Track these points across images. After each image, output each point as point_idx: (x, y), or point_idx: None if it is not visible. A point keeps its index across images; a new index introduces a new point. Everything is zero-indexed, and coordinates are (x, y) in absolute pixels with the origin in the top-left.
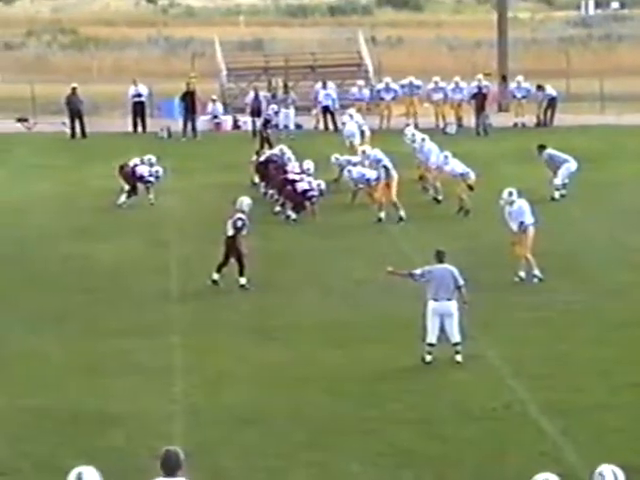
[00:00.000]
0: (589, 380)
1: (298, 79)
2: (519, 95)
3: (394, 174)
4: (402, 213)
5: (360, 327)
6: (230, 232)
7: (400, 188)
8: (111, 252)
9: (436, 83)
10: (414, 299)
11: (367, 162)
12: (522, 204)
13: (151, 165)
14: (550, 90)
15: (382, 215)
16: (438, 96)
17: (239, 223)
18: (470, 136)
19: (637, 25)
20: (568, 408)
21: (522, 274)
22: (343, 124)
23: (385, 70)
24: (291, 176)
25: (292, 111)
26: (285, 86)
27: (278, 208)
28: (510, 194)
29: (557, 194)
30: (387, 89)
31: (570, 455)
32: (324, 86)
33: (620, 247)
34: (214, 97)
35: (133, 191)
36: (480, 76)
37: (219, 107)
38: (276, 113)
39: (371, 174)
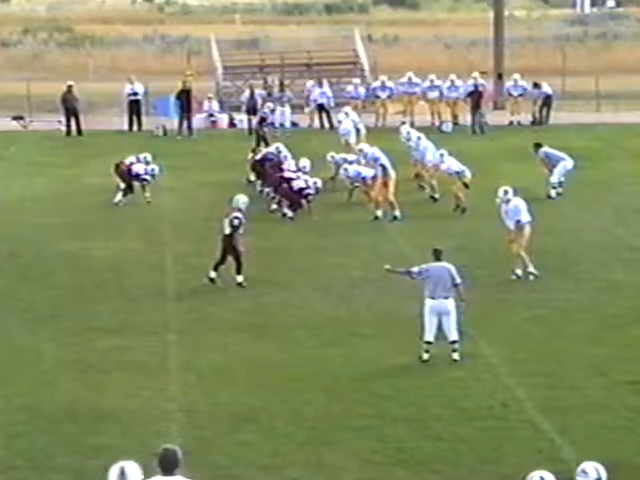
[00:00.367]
0: (585, 378)
1: (294, 77)
2: (515, 93)
3: (392, 173)
4: (397, 213)
5: (357, 325)
6: (227, 230)
7: (396, 186)
8: (107, 250)
9: (432, 81)
10: (411, 297)
11: (364, 160)
12: (518, 202)
13: (147, 163)
14: (546, 88)
15: (379, 213)
16: (434, 94)
17: (236, 221)
18: (466, 134)
19: (633, 23)
20: (564, 406)
21: (519, 272)
22: (339, 122)
23: (381, 68)
24: (287, 174)
25: (288, 109)
26: (281, 84)
27: (274, 206)
28: (506, 193)
29: (553, 192)
30: (383, 87)
31: (566, 453)
32: (320, 84)
33: (616, 245)
34: (210, 95)
35: (129, 189)
36: (476, 74)
37: (215, 105)
38: (272, 111)
39: (367, 172)
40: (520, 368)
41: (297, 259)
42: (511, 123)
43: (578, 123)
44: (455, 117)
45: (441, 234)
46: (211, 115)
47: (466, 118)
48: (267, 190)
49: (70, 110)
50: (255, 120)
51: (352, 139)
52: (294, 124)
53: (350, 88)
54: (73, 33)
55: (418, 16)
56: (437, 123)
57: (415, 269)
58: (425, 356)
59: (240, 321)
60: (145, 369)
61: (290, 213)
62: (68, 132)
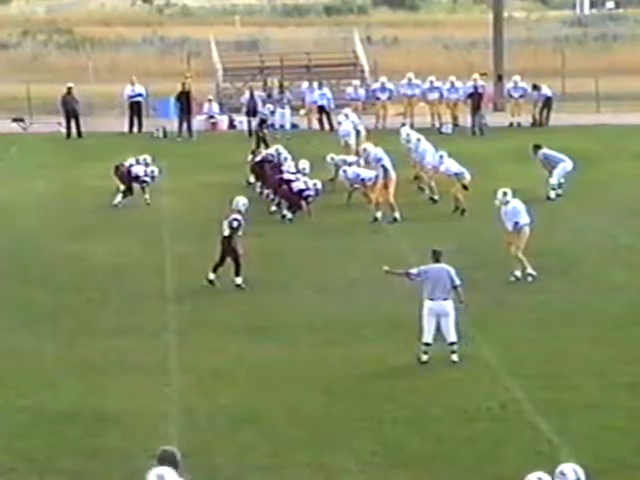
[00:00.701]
0: (584, 379)
1: (294, 79)
2: (516, 95)
3: (393, 175)
4: (397, 215)
5: (356, 326)
6: (226, 232)
7: (396, 188)
8: (107, 252)
9: (432, 83)
10: (410, 298)
11: (366, 160)
12: (516, 204)
13: (147, 165)
14: (546, 90)
15: (378, 214)
16: (434, 96)
17: (235, 223)
18: (466, 136)
19: (632, 25)
20: (563, 407)
21: (518, 273)
22: (339, 123)
23: (381, 70)
24: (287, 176)
25: (288, 111)
26: (281, 86)
27: (274, 208)
28: (505, 194)
29: (553, 194)
30: (383, 89)
31: (565, 454)
32: (319, 86)
33: (616, 246)
34: (210, 97)
35: (129, 191)
36: (476, 76)
37: (215, 107)
38: (272, 113)
39: (366, 174)
40: (519, 369)
41: (296, 260)
42: (511, 124)
43: (578, 124)
44: (455, 118)
45: (440, 235)
46: (211, 117)
47: (466, 119)
48: (267, 192)
49: (70, 112)
50: (255, 122)
51: (352, 140)
52: (294, 126)
53: (350, 90)
54: (73, 35)
55: (417, 17)
56: (437, 125)
57: (414, 270)
58: (424, 357)
59: (239, 322)
60: (145, 370)
61: (289, 214)
62: (68, 134)
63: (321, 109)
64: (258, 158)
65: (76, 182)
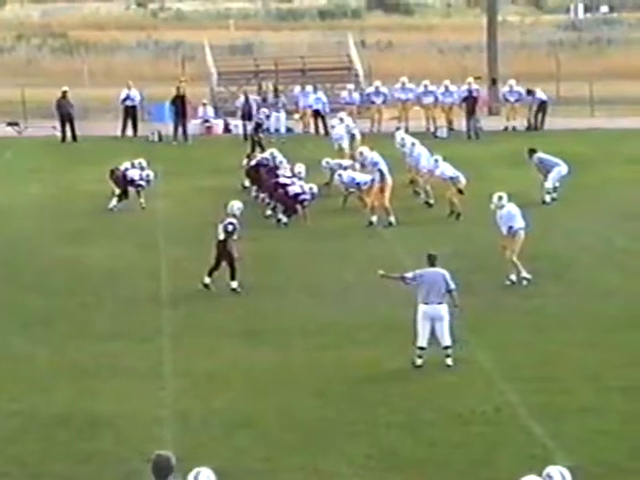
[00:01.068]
0: (578, 383)
1: (288, 83)
2: (512, 99)
3: (389, 179)
4: (392, 219)
5: (350, 330)
6: (221, 236)
7: (392, 192)
8: (101, 255)
9: (426, 87)
10: (404, 302)
11: (362, 164)
12: (511, 208)
13: (142, 169)
14: (540, 94)
15: (374, 219)
16: (428, 100)
17: (230, 227)
18: (461, 140)
19: (626, 29)
20: (558, 411)
21: (513, 277)
22: (332, 127)
23: (375, 74)
24: (282, 180)
25: (283, 115)
26: (275, 90)
27: (269, 212)
28: (500, 198)
29: (548, 198)
30: (377, 93)
31: (559, 458)
32: (314, 90)
33: (611, 250)
34: (205, 101)
35: (124, 195)
36: (470, 80)
37: (210, 111)
38: (267, 117)
39: (361, 178)
40: (513, 373)
41: (291, 264)
42: (506, 129)
43: (572, 128)
44: (450, 122)
45: (436, 239)
46: (206, 121)
47: (461, 123)
48: (262, 196)
49: (65, 116)
50: (250, 126)
51: (345, 144)
52: (289, 130)
53: (344, 94)
54: (67, 39)
55: (412, 22)
56: (432, 129)
57: (409, 275)
58: (418, 361)
59: (234, 326)
60: (139, 374)
61: (285, 219)
62: (63, 138)
63: (316, 113)
64: (253, 162)
65: (71, 186)
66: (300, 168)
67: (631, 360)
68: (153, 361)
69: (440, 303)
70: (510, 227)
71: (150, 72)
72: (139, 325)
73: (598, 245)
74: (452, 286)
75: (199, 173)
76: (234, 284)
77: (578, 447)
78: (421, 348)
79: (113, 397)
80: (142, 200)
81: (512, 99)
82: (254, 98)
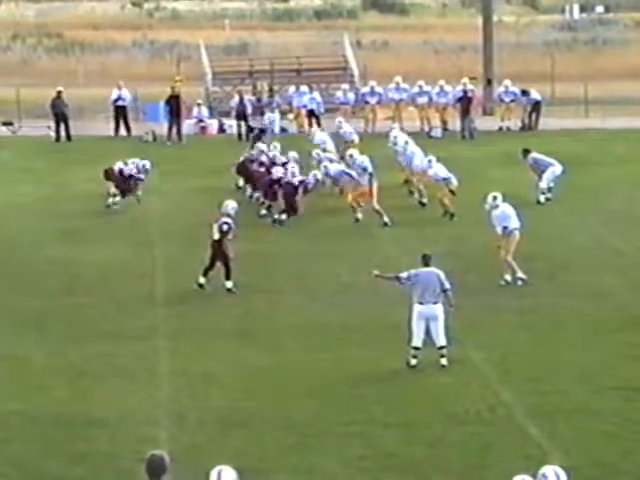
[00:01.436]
0: (574, 383)
1: (284, 83)
2: (507, 99)
3: (375, 181)
4: (386, 219)
5: (346, 330)
6: (216, 236)
7: (386, 191)
8: (96, 255)
9: (421, 87)
10: (400, 303)
11: (351, 166)
12: (505, 209)
13: (146, 172)
14: (534, 95)
15: (359, 215)
16: (423, 100)
17: (225, 227)
18: (455, 140)
19: (622, 29)
20: (553, 411)
21: (508, 277)
22: (340, 128)
23: (371, 74)
24: (276, 175)
25: (277, 115)
26: (270, 90)
27: (264, 211)
28: (494, 199)
29: (542, 198)
30: (372, 93)
31: (555, 458)
32: (310, 90)
33: (605, 250)
34: (199, 101)
35: (128, 192)
36: (465, 80)
37: (204, 111)
38: (271, 122)
39: (350, 170)
40: (508, 373)
41: (286, 265)
42: (500, 129)
43: (567, 129)
44: (444, 123)
45: (430, 239)
46: (200, 121)
47: (455, 124)
48: (256, 195)
49: (59, 116)
50: (244, 126)
51: (329, 146)
52: (283, 130)
53: (339, 94)
54: (62, 39)
55: (407, 22)
56: (426, 129)
57: (404, 275)
58: (413, 362)
59: (229, 326)
60: (134, 374)
61: (283, 216)
62: (57, 138)
63: (311, 113)
64: (240, 159)
65: (65, 186)
66: (294, 154)
67: (626, 361)
68: (148, 361)
69: (435, 303)
70: (505, 227)
71: (145, 72)
72: (134, 325)
73: (593, 245)
74: (447, 286)
75: (193, 173)
76: (229, 284)
77: (573, 447)
78: (416, 348)
79: (108, 397)
80: (139, 192)
81: (507, 99)
82: (249, 98)
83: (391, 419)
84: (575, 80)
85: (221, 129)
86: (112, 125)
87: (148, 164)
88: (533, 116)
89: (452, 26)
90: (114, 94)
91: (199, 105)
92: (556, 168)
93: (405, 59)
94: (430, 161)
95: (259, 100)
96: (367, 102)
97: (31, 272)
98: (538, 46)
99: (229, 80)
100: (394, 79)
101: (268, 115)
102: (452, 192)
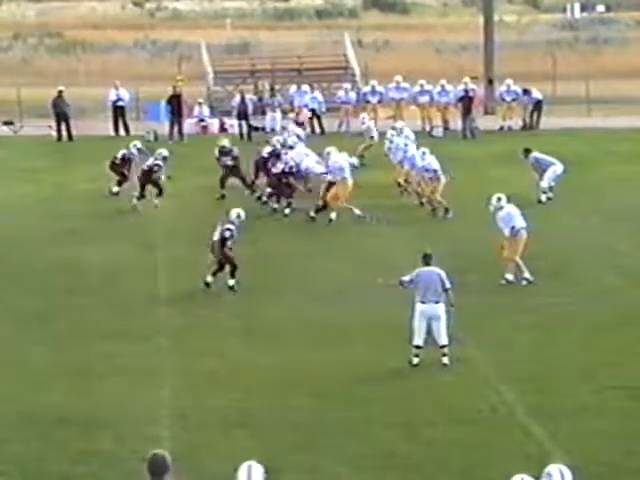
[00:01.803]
0: (575, 383)
1: (285, 82)
2: (508, 98)
3: (350, 181)
4: (357, 211)
5: (347, 329)
6: (215, 237)
7: (386, 191)
8: (98, 255)
9: (422, 86)
10: (401, 302)
11: (326, 164)
12: (510, 209)
13: (139, 151)
14: (536, 94)
15: (333, 216)
16: (424, 99)
17: (227, 233)
18: (457, 139)
19: (623, 28)
20: (554, 411)
21: (509, 277)
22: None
23: (372, 73)
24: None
25: (279, 114)
26: (272, 89)
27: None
28: (499, 200)
29: (544, 197)
30: (373, 92)
31: (556, 457)
32: (311, 89)
33: (607, 250)
34: (201, 100)
35: (124, 179)
36: (467, 79)
37: (206, 110)
38: (283, 128)
39: (319, 169)
40: (510, 373)
41: (288, 264)
42: (502, 128)
43: (568, 128)
44: (446, 122)
45: (431, 238)
46: (202, 120)
47: (457, 123)
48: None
49: (61, 115)
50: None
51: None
52: (284, 129)
53: (341, 93)
54: (63, 38)
55: (408, 21)
56: (428, 128)
57: (406, 278)
58: (415, 360)
59: (231, 326)
60: (137, 374)
61: (287, 210)
62: (59, 137)
63: (312, 112)
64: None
65: (67, 185)
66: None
67: (627, 360)
68: (151, 360)
69: (437, 302)
70: (513, 227)
71: (147, 71)
72: (137, 324)
73: (594, 245)
74: (448, 285)
75: (195, 172)
76: (231, 282)
77: (575, 447)
78: (417, 347)
79: (111, 397)
80: (156, 202)
81: (509, 98)
82: (250, 98)
83: (392, 418)
84: (576, 79)
85: (222, 128)
86: (111, 125)
87: (165, 152)
88: (534, 115)
89: (453, 25)
90: (112, 94)
91: (200, 104)
92: (557, 167)
93: (406, 58)
94: (424, 153)
95: (260, 99)
96: (368, 101)
97: (33, 272)
98: (539, 45)
99: (230, 79)
100: (395, 78)
101: (270, 114)
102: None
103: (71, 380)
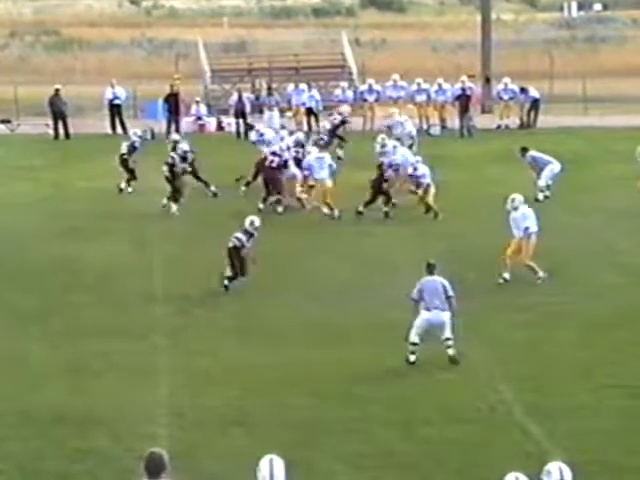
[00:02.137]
0: (573, 381)
1: (282, 81)
2: (506, 97)
3: (328, 182)
4: (326, 210)
5: (345, 328)
6: (229, 244)
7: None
8: (95, 253)
9: (419, 85)
10: (400, 301)
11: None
12: (525, 210)
13: (140, 137)
14: (533, 92)
15: (326, 211)
16: (421, 97)
17: (235, 242)
18: (454, 138)
19: (620, 27)
20: (552, 409)
21: (507, 276)
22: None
23: (369, 72)
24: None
25: (276, 113)
26: (269, 88)
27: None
28: (513, 200)
29: (541, 196)
30: (370, 90)
31: (554, 456)
32: (308, 88)
33: (604, 249)
34: (198, 98)
35: (133, 177)
36: (464, 78)
37: (203, 108)
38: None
39: (296, 172)
40: (508, 371)
41: (286, 263)
42: (499, 127)
43: (565, 126)
44: (443, 120)
45: (430, 238)
46: (199, 118)
47: (454, 122)
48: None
49: (58, 113)
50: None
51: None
52: (282, 127)
53: (338, 91)
54: (60, 36)
55: (405, 19)
56: (425, 126)
57: (414, 294)
58: (411, 358)
59: (229, 324)
60: (134, 372)
61: (280, 208)
62: (56, 135)
63: (309, 111)
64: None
65: (64, 183)
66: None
67: (625, 358)
68: (148, 359)
69: (443, 310)
70: (526, 228)
71: (144, 70)
72: (134, 323)
73: (592, 243)
74: (451, 293)
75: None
76: (227, 283)
77: (573, 445)
78: (413, 344)
79: (108, 395)
80: (164, 201)
81: (506, 97)
82: (247, 96)
83: (391, 417)
84: (573, 78)
85: (219, 127)
86: (108, 123)
87: (186, 145)
88: (532, 114)
89: (450, 24)
90: (108, 92)
91: (197, 103)
92: (555, 166)
93: (403, 57)
94: (418, 161)
95: (258, 98)
96: (365, 100)
97: (30, 270)
98: (536, 44)
99: (228, 78)
100: (392, 77)
101: (267, 113)
102: (413, 192)
103: (68, 378)
